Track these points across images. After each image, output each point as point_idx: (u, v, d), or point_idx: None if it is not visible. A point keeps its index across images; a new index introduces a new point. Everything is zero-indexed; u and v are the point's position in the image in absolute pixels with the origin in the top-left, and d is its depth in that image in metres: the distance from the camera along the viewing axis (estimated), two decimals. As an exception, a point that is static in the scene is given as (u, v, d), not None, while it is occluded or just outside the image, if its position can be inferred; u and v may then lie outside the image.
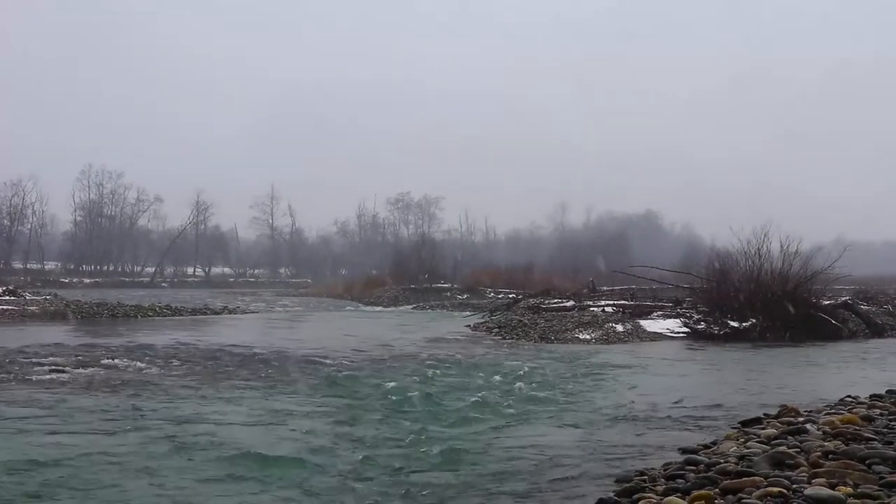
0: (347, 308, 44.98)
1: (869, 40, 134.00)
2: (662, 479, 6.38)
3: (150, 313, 31.54)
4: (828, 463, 6.20)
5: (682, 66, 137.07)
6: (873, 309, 26.84)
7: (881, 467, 6.04)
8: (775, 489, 5.46)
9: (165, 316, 31.48)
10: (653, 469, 6.86)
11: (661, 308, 26.91)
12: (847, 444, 6.83)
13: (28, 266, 78.51)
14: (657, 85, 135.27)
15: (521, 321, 25.55)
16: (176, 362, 14.89)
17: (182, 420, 9.38)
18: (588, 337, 22.37)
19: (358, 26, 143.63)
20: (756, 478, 5.84)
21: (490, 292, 47.84)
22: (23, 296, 35.04)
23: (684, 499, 5.56)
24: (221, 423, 9.23)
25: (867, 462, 6.18)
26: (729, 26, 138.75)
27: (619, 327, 23.65)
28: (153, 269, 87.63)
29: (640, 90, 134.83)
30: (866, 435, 7.24)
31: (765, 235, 24.85)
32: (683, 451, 7.73)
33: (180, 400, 10.85)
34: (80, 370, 13.54)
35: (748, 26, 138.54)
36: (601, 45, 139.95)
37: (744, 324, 22.85)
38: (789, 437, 7.43)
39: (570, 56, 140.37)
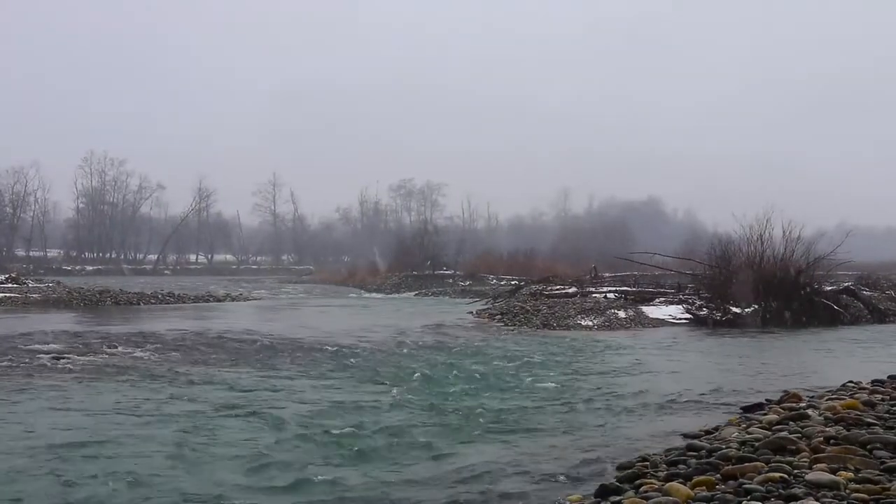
0: (350, 295, 45.03)
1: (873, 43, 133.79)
2: (664, 465, 6.39)
3: (152, 301, 31.58)
4: (829, 448, 6.21)
5: (687, 58, 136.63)
6: (875, 294, 26.83)
7: (882, 452, 6.04)
8: (776, 474, 5.47)
9: (168, 303, 31.51)
10: (655, 455, 6.87)
11: (664, 294, 26.91)
12: (848, 430, 6.84)
13: (30, 253, 78.69)
14: (663, 81, 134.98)
15: (523, 308, 25.53)
16: (179, 350, 14.90)
17: (186, 406, 9.40)
18: (590, 323, 22.37)
19: (363, 18, 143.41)
20: (757, 463, 5.85)
21: (492, 279, 47.86)
22: (25, 283, 35.15)
23: (686, 484, 5.57)
24: (226, 408, 9.25)
25: (868, 447, 6.19)
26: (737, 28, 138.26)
27: (622, 313, 23.65)
28: (156, 257, 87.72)
29: (645, 87, 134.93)
30: (868, 420, 7.25)
31: (767, 221, 24.81)
32: (685, 436, 7.75)
33: (183, 387, 10.85)
34: (82, 358, 13.56)
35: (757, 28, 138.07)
36: (610, 43, 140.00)
37: (746, 310, 22.84)
38: (791, 423, 7.43)
39: (579, 51, 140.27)
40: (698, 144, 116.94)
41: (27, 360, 13.02)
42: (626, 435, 8.20)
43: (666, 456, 6.77)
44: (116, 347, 14.88)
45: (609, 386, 11.59)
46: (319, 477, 6.53)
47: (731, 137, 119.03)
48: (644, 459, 6.71)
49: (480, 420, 8.94)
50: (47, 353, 13.88)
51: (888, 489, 5.10)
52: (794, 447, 6.33)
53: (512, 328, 21.85)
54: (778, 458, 6.05)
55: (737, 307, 23.08)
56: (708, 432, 7.82)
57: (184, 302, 32.45)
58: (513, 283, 38.90)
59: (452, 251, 58.50)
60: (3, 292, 30.37)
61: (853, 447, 6.15)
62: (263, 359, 13.99)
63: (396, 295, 44.16)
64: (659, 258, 30.74)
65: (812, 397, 9.37)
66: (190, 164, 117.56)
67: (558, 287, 30.74)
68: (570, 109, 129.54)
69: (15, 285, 33.65)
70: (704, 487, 5.46)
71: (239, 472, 6.70)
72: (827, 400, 8.90)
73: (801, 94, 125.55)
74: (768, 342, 18.83)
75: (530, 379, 12.12)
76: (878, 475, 5.45)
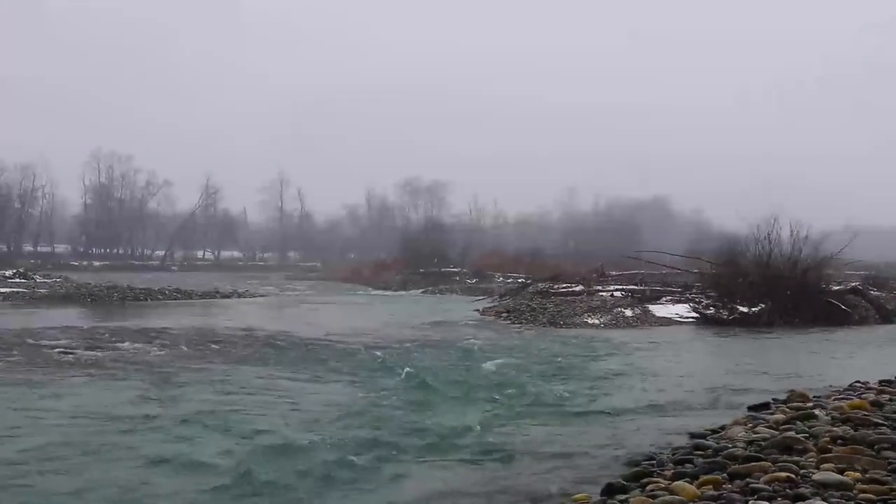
0: (357, 292, 45.00)
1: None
2: (671, 464, 6.38)
3: (159, 297, 31.68)
4: (836, 448, 6.19)
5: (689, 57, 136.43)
6: (883, 295, 26.68)
7: (890, 453, 6.02)
8: (783, 474, 5.45)
9: (175, 299, 31.60)
10: (661, 454, 6.86)
11: (671, 293, 26.83)
12: (856, 430, 6.81)
13: (38, 249, 78.94)
14: (664, 81, 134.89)
15: (530, 306, 25.53)
16: (181, 347, 14.94)
17: (176, 409, 9.31)
18: (597, 322, 22.35)
19: (368, 19, 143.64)
20: (764, 463, 5.84)
21: (499, 277, 47.79)
22: (33, 278, 35.29)
23: (692, 483, 5.56)
24: (229, 406, 9.27)
25: (876, 447, 6.16)
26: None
27: (628, 312, 23.60)
28: (163, 253, 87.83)
29: (646, 87, 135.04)
30: (875, 420, 7.21)
31: (774, 221, 24.73)
32: (692, 435, 7.73)
33: (179, 388, 10.74)
34: (90, 353, 13.62)
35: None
36: (610, 42, 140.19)
37: (753, 309, 22.76)
38: (798, 423, 7.40)
39: (581, 51, 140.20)
40: (699, 144, 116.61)
41: (34, 355, 13.07)
42: (633, 434, 8.18)
43: (672, 455, 6.76)
44: (122, 343, 14.94)
45: (615, 384, 11.57)
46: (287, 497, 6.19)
47: (731, 137, 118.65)
48: (650, 458, 6.70)
49: (482, 419, 8.92)
50: (54, 347, 13.94)
51: (896, 490, 5.09)
52: (801, 447, 6.31)
53: (518, 326, 21.84)
54: (785, 457, 6.03)
55: (744, 306, 23.00)
56: (714, 431, 7.80)
57: (190, 298, 32.52)
58: (519, 281, 38.85)
59: (459, 249, 58.48)
60: (11, 287, 30.50)
61: (861, 447, 6.13)
62: (265, 358, 13.98)
63: (403, 292, 44.11)
64: (666, 257, 30.65)
65: (819, 397, 9.33)
66: (196, 162, 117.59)
67: (565, 285, 30.68)
68: (572, 109, 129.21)
69: (23, 280, 33.80)
70: (711, 486, 5.45)
71: (194, 486, 6.35)
72: (834, 400, 8.87)
73: (800, 94, 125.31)
74: (775, 341, 18.77)
75: (535, 377, 12.11)
76: (886, 476, 5.43)
